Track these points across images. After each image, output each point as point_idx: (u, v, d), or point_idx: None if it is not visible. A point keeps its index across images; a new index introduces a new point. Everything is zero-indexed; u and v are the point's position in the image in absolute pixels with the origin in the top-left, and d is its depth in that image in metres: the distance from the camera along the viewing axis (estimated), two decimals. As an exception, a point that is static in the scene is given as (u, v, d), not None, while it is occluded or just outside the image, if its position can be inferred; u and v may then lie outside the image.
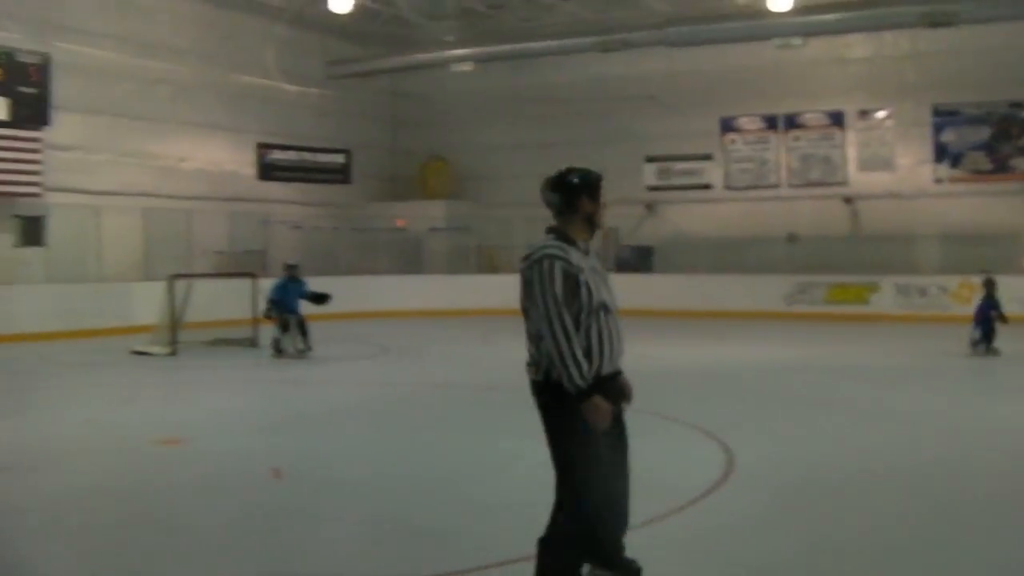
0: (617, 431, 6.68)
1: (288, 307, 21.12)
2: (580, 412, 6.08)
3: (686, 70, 34.55)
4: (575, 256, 6.13)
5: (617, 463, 6.70)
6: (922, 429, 12.76)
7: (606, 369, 6.32)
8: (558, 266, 6.02)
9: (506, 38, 35.01)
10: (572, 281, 6.03)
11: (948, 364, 20.21)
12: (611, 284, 6.44)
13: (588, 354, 6.10)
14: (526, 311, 6.13)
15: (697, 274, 32.91)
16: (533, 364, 6.22)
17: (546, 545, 6.39)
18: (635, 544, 7.03)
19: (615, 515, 6.63)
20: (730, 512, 8.83)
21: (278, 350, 20.99)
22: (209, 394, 16.82)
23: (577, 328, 6.02)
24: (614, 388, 6.50)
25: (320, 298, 21.22)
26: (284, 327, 21.06)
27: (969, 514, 8.82)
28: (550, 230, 6.38)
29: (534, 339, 6.12)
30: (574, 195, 6.33)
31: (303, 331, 21.11)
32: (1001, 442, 11.80)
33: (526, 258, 6.17)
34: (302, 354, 20.87)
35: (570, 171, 6.43)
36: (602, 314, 6.19)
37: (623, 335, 6.48)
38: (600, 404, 6.09)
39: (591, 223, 6.38)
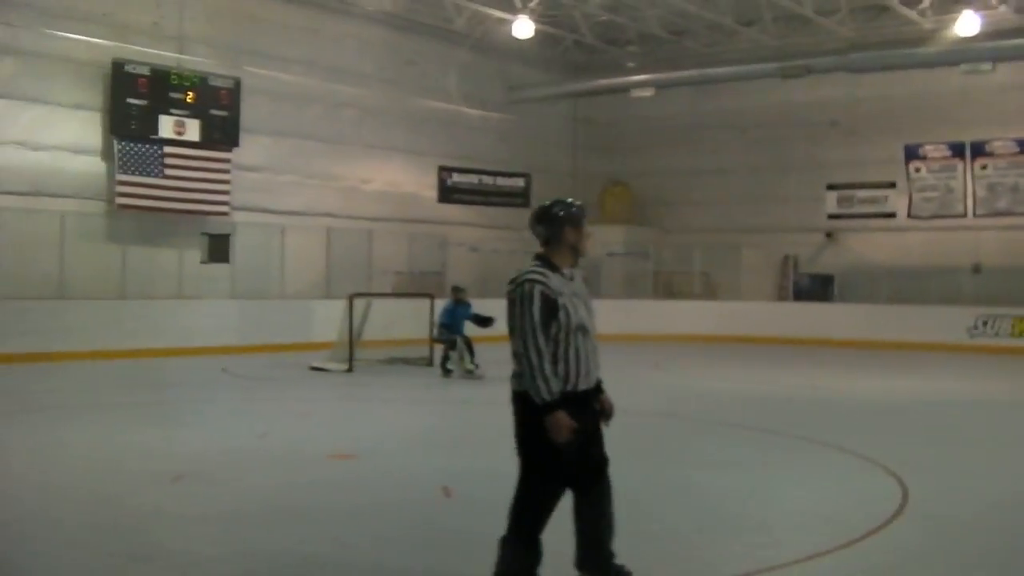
0: (596, 450, 7.32)
1: (456, 330, 21.35)
2: (546, 424, 6.70)
3: (869, 96, 34.09)
4: (556, 281, 6.72)
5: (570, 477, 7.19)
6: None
7: (582, 386, 6.96)
8: (538, 290, 6.63)
9: (687, 64, 34.93)
10: (551, 304, 6.64)
11: None
12: (592, 308, 7.02)
13: (565, 371, 6.77)
14: (511, 330, 6.75)
15: (878, 304, 32.30)
16: (515, 377, 6.90)
17: (502, 543, 7.26)
18: (801, 574, 6.95)
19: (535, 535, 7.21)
20: (900, 549, 8.64)
21: (446, 371, 21.24)
22: (383, 411, 17.09)
23: (556, 347, 6.70)
24: (589, 404, 7.11)
25: (485, 321, 21.37)
26: (452, 348, 21.31)
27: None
28: (537, 257, 6.93)
29: (516, 355, 6.78)
30: (558, 226, 6.92)
31: (471, 351, 21.30)
32: None
33: (512, 281, 6.76)
34: (470, 374, 21.03)
35: (555, 204, 7.12)
36: (579, 335, 6.81)
37: (598, 354, 7.13)
38: (562, 419, 6.66)
39: (575, 251, 6.96)
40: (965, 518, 9.74)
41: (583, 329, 6.84)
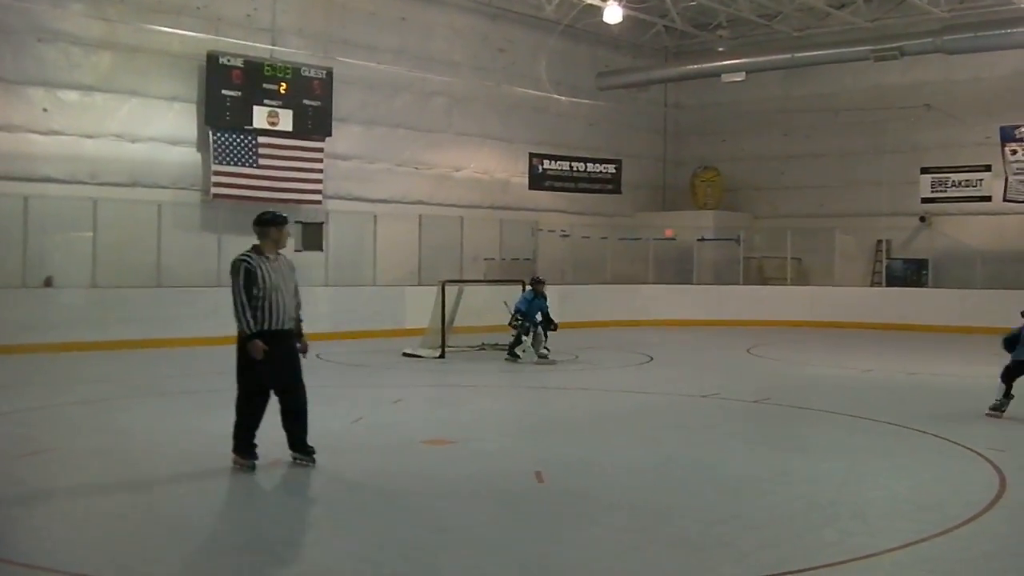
0: (286, 369, 10.82)
1: (532, 319, 21.45)
2: (247, 347, 10.41)
3: (964, 78, 33.62)
4: (257, 260, 10.53)
5: (264, 390, 10.69)
6: None
7: (275, 326, 10.56)
8: (243, 266, 10.47)
9: (778, 48, 34.69)
10: (251, 274, 10.42)
11: None
12: (292, 277, 10.90)
13: (262, 316, 10.47)
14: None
15: (973, 289, 31.88)
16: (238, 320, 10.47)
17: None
18: (895, 562, 6.94)
19: (252, 418, 10.63)
20: (998, 537, 8.59)
21: (514, 356, 21.42)
22: (475, 397, 17.22)
23: (256, 300, 10.42)
24: (283, 339, 10.68)
25: (551, 323, 21.58)
26: (525, 334, 21.44)
27: None
28: (254, 247, 10.68)
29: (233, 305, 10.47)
30: (266, 227, 10.73)
31: (544, 337, 21.45)
32: None
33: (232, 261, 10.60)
34: (543, 359, 21.18)
35: (264, 213, 10.96)
36: (274, 294, 10.51)
37: (289, 307, 10.74)
38: (256, 344, 10.35)
39: (277, 243, 10.78)
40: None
41: (277, 289, 10.53)
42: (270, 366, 10.46)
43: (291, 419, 10.80)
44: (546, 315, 21.64)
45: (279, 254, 10.81)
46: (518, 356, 21.51)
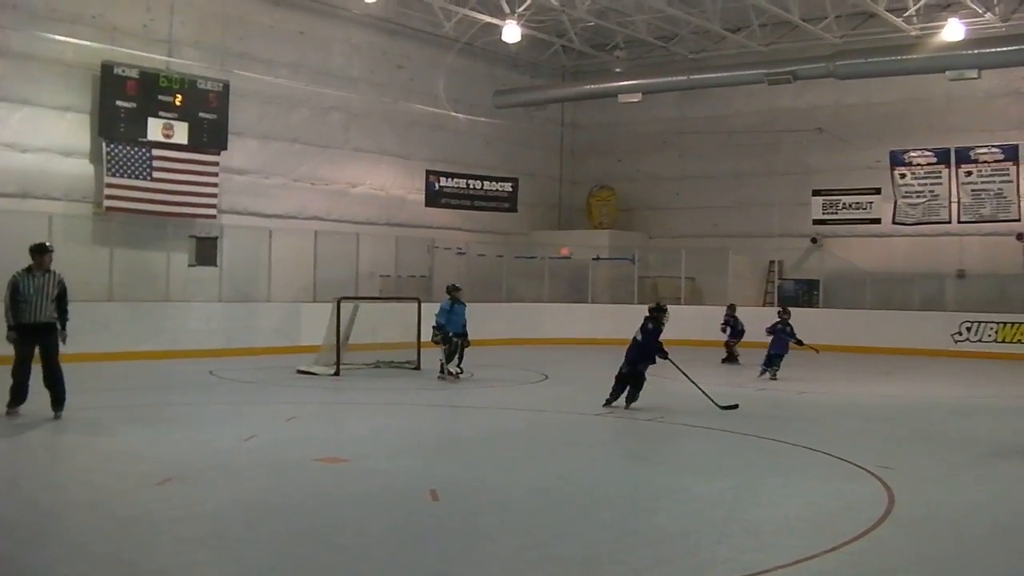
0: (45, 345, 14.71)
1: (453, 330, 21.37)
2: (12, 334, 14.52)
3: (855, 103, 34.26)
4: (22, 276, 14.58)
5: (26, 363, 14.64)
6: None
7: (29, 320, 14.50)
8: (10, 281, 14.54)
9: (675, 69, 35.03)
10: (14, 286, 14.49)
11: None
12: (48, 291, 14.60)
13: (17, 315, 14.47)
14: None
15: (862, 310, 32.41)
16: None
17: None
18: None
19: (17, 387, 14.73)
20: (887, 553, 8.71)
21: (441, 373, 21.26)
22: (370, 415, 17.11)
23: (13, 304, 14.46)
24: (37, 330, 14.59)
25: (466, 337, 21.56)
26: (450, 351, 21.32)
27: None
28: (28, 267, 14.62)
29: None
30: (37, 254, 14.71)
31: (460, 354, 21.37)
32: None
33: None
34: (457, 377, 21.11)
35: (34, 244, 14.79)
36: (29, 298, 14.46)
37: (45, 308, 14.57)
38: (9, 335, 14.55)
39: (41, 265, 14.61)
40: (951, 522, 9.83)
41: (28, 301, 14.46)
42: (30, 344, 14.64)
43: (49, 384, 14.71)
44: (462, 327, 21.55)
45: (46, 272, 14.79)
46: (451, 373, 21.37)
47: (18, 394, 14.77)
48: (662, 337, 17.34)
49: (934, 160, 33.79)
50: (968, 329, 30.67)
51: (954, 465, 12.93)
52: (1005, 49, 29.33)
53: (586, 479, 11.51)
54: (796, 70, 31.70)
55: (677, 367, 17.29)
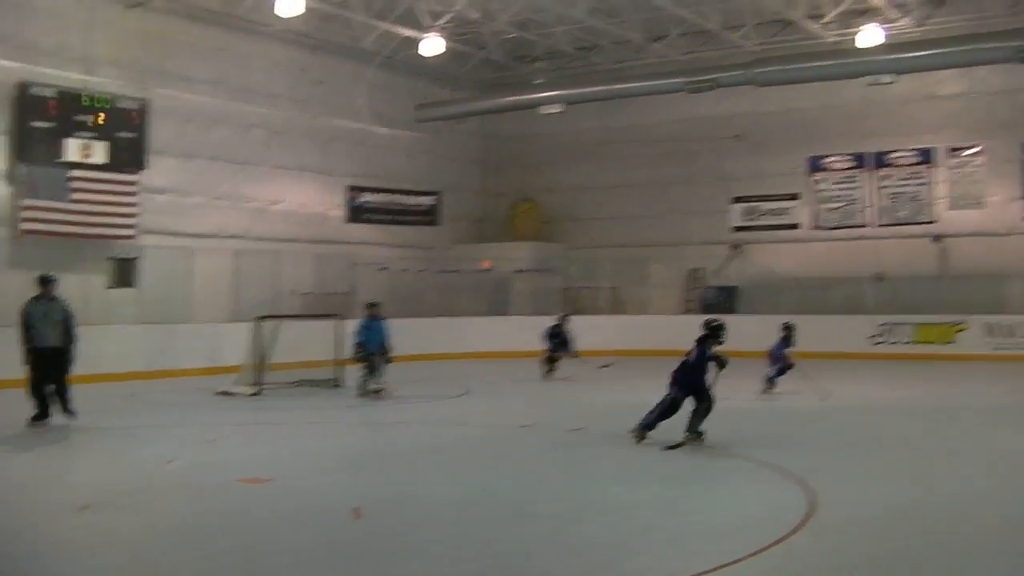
0: (56, 367, 16.37)
1: (373, 347, 21.28)
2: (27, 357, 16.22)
3: (774, 109, 34.57)
4: (31, 305, 16.38)
5: (41, 383, 16.37)
6: (1011, 469, 12.61)
7: (40, 344, 16.15)
8: (21, 310, 16.30)
9: (595, 80, 35.10)
10: (25, 315, 16.22)
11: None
12: (55, 316, 16.45)
13: (32, 339, 16.17)
14: None
15: (783, 314, 32.63)
16: None
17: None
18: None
19: (40, 403, 16.35)
20: (809, 555, 8.79)
21: (363, 391, 21.14)
22: (293, 434, 16.96)
23: (27, 330, 16.15)
24: (46, 354, 16.18)
25: (388, 353, 21.44)
26: (371, 368, 21.22)
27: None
28: (35, 296, 16.55)
29: None
30: (43, 284, 16.59)
31: (380, 370, 21.26)
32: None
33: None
34: (379, 394, 21.01)
35: (41, 275, 16.85)
36: (37, 325, 16.19)
37: (53, 334, 16.28)
38: (26, 355, 16.18)
39: (47, 295, 16.49)
40: (872, 523, 9.90)
41: (37, 324, 16.19)
42: (41, 368, 16.36)
43: (58, 394, 16.46)
44: (384, 344, 21.44)
45: (52, 299, 16.67)
46: (373, 390, 21.21)
47: (43, 409, 16.52)
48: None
49: (851, 165, 34.29)
50: (886, 331, 31.03)
51: (876, 467, 13.05)
52: (920, 54, 29.74)
53: (512, 492, 11.50)
54: (716, 78, 31.87)
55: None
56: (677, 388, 14.87)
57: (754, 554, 8.56)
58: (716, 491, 11.64)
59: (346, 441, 16.50)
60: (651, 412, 14.79)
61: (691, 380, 14.79)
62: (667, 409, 14.74)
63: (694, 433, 14.43)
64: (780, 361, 21.35)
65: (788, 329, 21.89)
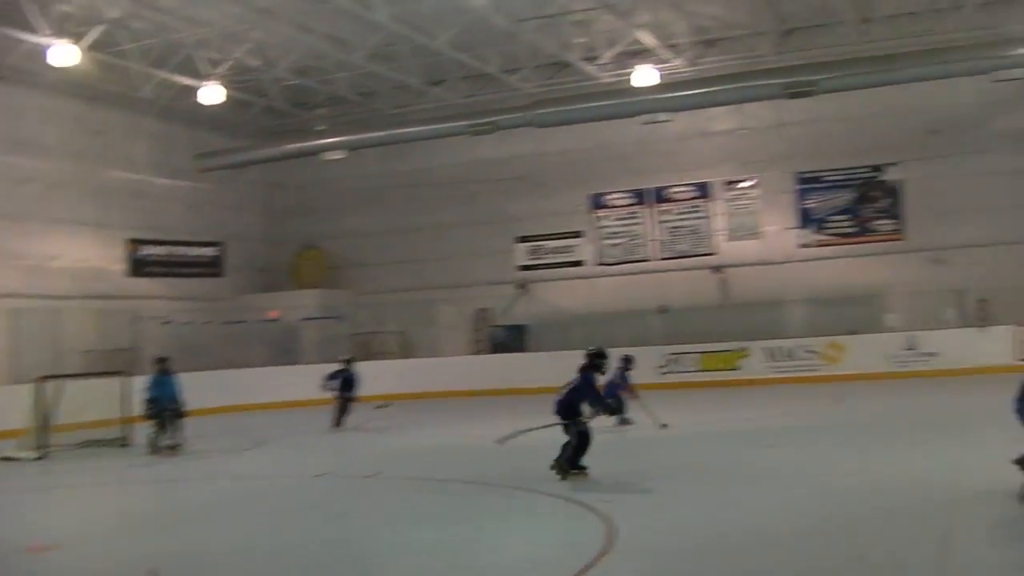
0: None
1: (165, 403, 20.79)
2: None
3: (554, 150, 35.07)
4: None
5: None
6: (799, 489, 12.91)
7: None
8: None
9: (377, 125, 35.03)
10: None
11: (818, 423, 20.69)
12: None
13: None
14: None
15: (571, 351, 32.92)
16: None
17: None
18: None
19: None
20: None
21: (154, 448, 20.61)
22: (81, 497, 16.46)
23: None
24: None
25: (180, 407, 20.95)
26: (163, 425, 20.71)
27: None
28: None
29: None
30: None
31: (172, 425, 20.77)
32: (875, 500, 11.94)
33: None
34: (175, 450, 20.52)
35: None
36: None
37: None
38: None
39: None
40: (671, 547, 10.06)
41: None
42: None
43: None
44: (176, 399, 20.93)
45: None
46: (157, 448, 20.56)
47: None
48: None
49: (632, 201, 35.08)
50: (673, 360, 31.64)
51: (671, 494, 13.23)
52: (694, 92, 30.63)
53: (309, 541, 11.32)
54: (496, 120, 32.16)
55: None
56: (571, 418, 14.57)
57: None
58: (516, 527, 11.68)
59: (138, 500, 16.07)
60: (572, 447, 14.39)
61: (569, 405, 14.61)
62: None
63: (577, 468, 14.24)
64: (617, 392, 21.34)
65: (627, 361, 22.03)
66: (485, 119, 32.33)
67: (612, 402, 19.40)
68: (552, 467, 14.27)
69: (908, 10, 29.19)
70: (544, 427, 14.77)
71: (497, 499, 13.59)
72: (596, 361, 14.95)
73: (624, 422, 21.09)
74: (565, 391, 14.81)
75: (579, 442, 14.34)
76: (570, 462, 14.19)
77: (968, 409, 21.47)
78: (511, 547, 10.60)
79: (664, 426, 20.58)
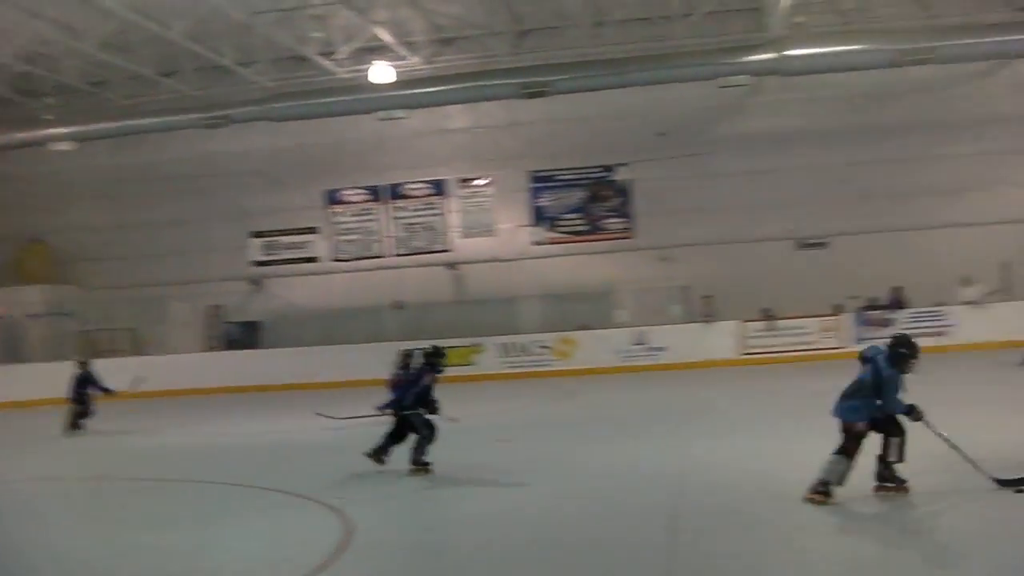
0: None
1: None
2: None
3: (290, 145, 34.68)
4: None
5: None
6: (534, 482, 13.12)
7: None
8: None
9: (108, 116, 34.00)
10: None
11: (549, 417, 21.12)
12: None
13: None
14: None
15: (306, 347, 32.82)
16: None
17: None
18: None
19: None
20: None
21: None
22: None
23: None
24: None
25: None
26: None
27: (576, 558, 9.28)
28: None
29: None
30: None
31: None
32: (607, 490, 12.28)
33: None
34: None
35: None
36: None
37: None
38: None
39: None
40: (407, 543, 10.14)
41: None
42: None
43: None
44: None
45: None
46: None
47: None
48: None
49: (368, 197, 35.10)
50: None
51: (405, 490, 13.30)
52: (430, 90, 30.78)
53: (37, 550, 10.99)
54: (231, 114, 31.69)
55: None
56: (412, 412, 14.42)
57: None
58: (252, 526, 11.55)
59: None
60: (414, 447, 14.27)
61: (406, 397, 14.53)
62: (394, 433, 14.54)
63: (419, 465, 14.07)
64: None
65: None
66: (219, 112, 31.80)
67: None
68: (367, 454, 14.40)
69: (639, 16, 30.05)
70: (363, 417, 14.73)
71: (230, 498, 13.41)
72: (431, 360, 14.81)
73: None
74: (401, 387, 15.07)
75: (425, 435, 14.23)
76: (418, 455, 14.13)
77: (695, 401, 22.25)
78: (248, 547, 10.51)
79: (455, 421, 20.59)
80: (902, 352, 10.73)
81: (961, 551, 9.08)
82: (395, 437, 14.53)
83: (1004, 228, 31.63)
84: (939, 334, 29.15)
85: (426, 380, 14.53)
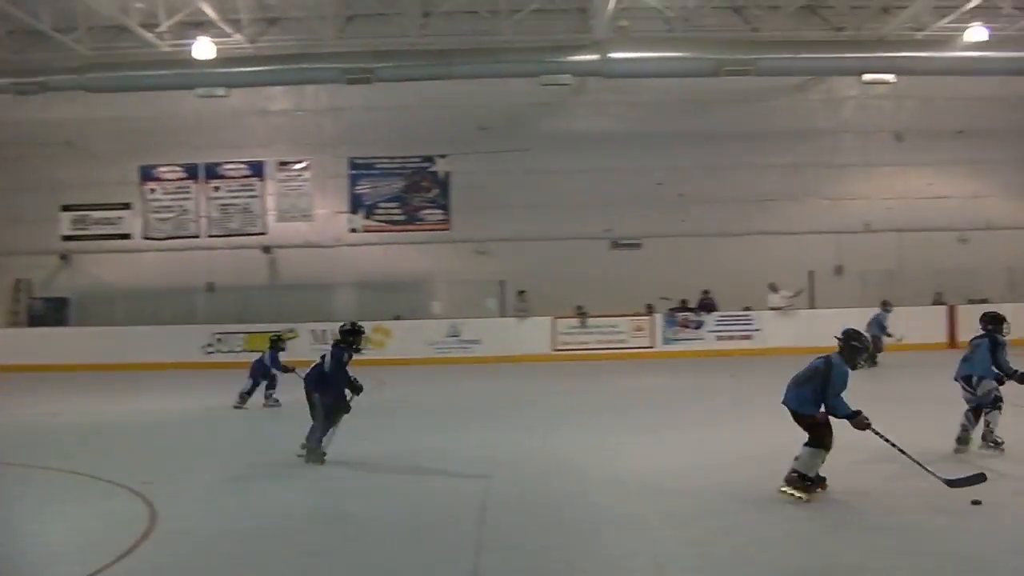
0: None
1: None
2: None
3: (106, 116, 33.79)
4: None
5: None
6: (343, 468, 13.11)
7: None
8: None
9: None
10: None
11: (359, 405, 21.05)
12: None
13: None
14: None
15: (114, 326, 32.14)
16: None
17: None
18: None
19: None
20: (154, 568, 8.76)
21: None
22: None
23: None
24: None
25: None
26: None
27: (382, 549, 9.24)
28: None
29: None
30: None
31: None
32: (415, 477, 12.31)
33: None
34: None
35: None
36: None
37: None
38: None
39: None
40: (214, 530, 10.01)
41: None
42: None
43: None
44: None
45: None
46: None
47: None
48: None
49: (183, 176, 34.46)
50: (218, 340, 31.37)
51: (213, 476, 13.09)
52: (252, 69, 30.42)
53: None
54: (44, 80, 30.76)
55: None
56: (316, 393, 13.87)
57: (97, 572, 8.45)
58: (53, 510, 11.26)
59: None
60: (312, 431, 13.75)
61: (322, 384, 13.91)
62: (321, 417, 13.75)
63: (314, 445, 13.63)
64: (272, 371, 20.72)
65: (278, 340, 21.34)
66: (32, 78, 30.82)
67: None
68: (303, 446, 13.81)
69: (467, 9, 30.21)
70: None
71: (30, 482, 13.06)
72: (348, 338, 14.20)
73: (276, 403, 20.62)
74: (314, 366, 14.27)
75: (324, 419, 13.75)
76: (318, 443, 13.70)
77: (506, 395, 22.44)
78: (48, 531, 10.26)
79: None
80: (854, 345, 10.69)
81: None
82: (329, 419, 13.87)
83: (811, 238, 32.72)
84: (745, 337, 30.07)
85: (344, 359, 14.01)
